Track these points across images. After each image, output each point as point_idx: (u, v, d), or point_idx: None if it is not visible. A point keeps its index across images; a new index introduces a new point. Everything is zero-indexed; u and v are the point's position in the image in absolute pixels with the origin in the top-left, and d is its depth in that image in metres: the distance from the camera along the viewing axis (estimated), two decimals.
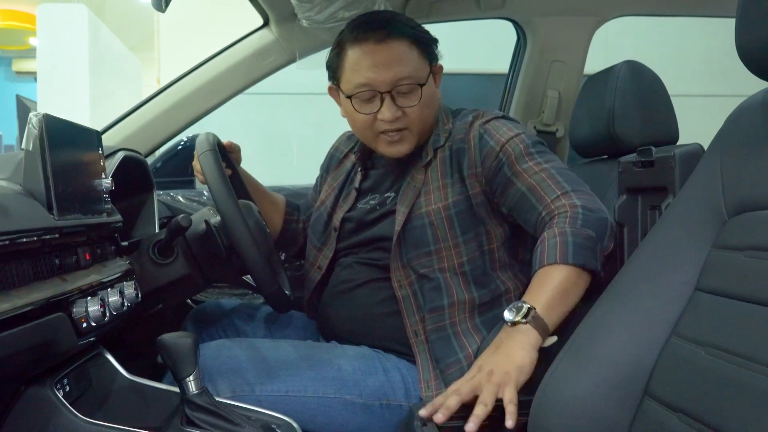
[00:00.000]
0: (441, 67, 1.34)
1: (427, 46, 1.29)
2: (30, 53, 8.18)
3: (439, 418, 0.93)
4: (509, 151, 1.23)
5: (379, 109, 1.25)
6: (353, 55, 1.25)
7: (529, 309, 1.04)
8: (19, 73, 10.17)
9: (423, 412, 0.97)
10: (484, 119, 1.29)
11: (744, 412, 0.71)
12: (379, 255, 1.30)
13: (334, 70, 1.31)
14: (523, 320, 1.03)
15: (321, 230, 1.43)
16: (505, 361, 1.00)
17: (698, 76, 6.52)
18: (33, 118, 0.91)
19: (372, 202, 1.37)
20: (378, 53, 1.23)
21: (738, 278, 0.81)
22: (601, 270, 1.10)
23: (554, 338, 1.05)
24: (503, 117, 1.31)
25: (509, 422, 0.94)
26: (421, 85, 1.25)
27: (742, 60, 0.86)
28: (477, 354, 1.19)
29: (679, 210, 0.96)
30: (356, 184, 1.41)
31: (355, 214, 1.38)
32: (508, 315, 1.05)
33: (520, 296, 1.26)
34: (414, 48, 1.26)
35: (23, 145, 0.92)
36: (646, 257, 0.97)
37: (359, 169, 1.42)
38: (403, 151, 1.29)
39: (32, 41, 7.85)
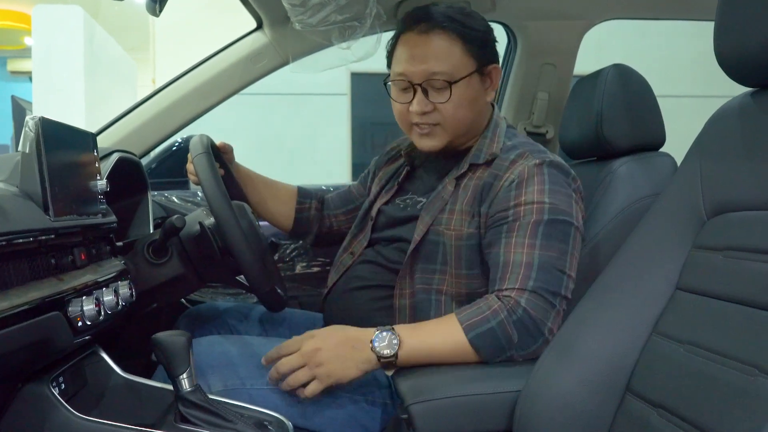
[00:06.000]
0: (496, 69, 1.30)
1: (476, 45, 1.25)
2: (25, 53, 8.18)
3: (273, 375, 1.11)
4: (519, 215, 1.16)
5: (412, 100, 1.26)
6: (400, 43, 1.27)
7: (394, 355, 1.08)
8: (13, 72, 10.16)
9: (264, 361, 1.14)
10: (528, 162, 1.21)
11: (719, 407, 0.74)
12: (396, 257, 1.30)
13: (389, 57, 1.32)
14: (382, 356, 1.08)
15: (362, 217, 1.46)
16: (341, 365, 1.09)
17: (691, 77, 6.56)
18: (30, 121, 0.93)
19: (408, 200, 1.38)
20: (416, 45, 1.24)
21: (716, 278, 0.84)
22: (490, 362, 1.09)
23: (390, 371, 1.11)
24: (550, 165, 1.21)
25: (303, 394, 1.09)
26: (451, 83, 1.22)
27: (720, 65, 0.89)
28: None
29: (661, 211, 0.98)
30: (400, 179, 1.42)
31: (389, 209, 1.39)
32: (377, 342, 1.08)
33: None
34: (457, 44, 1.23)
35: (20, 148, 0.94)
36: (629, 257, 0.99)
37: (406, 165, 1.43)
38: (432, 146, 1.28)
39: (27, 41, 7.85)
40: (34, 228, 0.87)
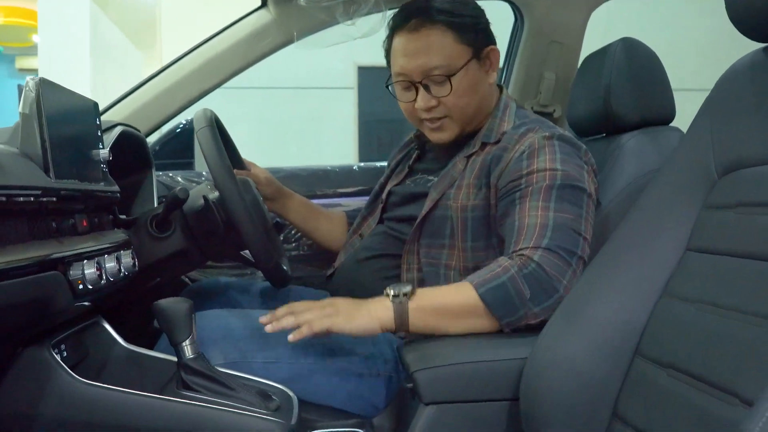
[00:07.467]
0: (494, 51, 1.29)
1: (468, 32, 1.25)
2: (33, 50, 8.20)
3: (268, 329, 1.05)
4: (532, 181, 1.15)
5: (415, 98, 1.26)
6: (394, 43, 1.28)
7: (405, 294, 1.05)
8: (22, 70, 10.20)
9: (263, 319, 1.07)
10: (537, 135, 1.21)
11: (732, 363, 0.72)
12: (406, 229, 1.30)
13: (387, 57, 1.33)
14: (392, 299, 1.05)
15: (372, 200, 1.48)
16: (354, 308, 1.06)
17: (694, 65, 6.49)
18: (30, 82, 0.92)
19: (419, 180, 1.38)
20: (409, 42, 1.25)
21: (728, 235, 0.82)
22: (506, 327, 1.05)
23: (400, 334, 1.09)
24: (560, 138, 1.21)
25: (290, 337, 1.04)
26: (450, 76, 1.23)
27: (732, 22, 0.87)
28: None
29: (670, 173, 0.97)
30: (411, 161, 1.44)
31: (400, 189, 1.40)
32: (390, 288, 1.07)
33: None
34: (449, 35, 1.24)
35: (20, 110, 0.93)
36: (638, 220, 0.98)
37: (416, 148, 1.45)
38: (445, 138, 1.29)
39: (35, 38, 7.87)
40: (34, 185, 0.86)
